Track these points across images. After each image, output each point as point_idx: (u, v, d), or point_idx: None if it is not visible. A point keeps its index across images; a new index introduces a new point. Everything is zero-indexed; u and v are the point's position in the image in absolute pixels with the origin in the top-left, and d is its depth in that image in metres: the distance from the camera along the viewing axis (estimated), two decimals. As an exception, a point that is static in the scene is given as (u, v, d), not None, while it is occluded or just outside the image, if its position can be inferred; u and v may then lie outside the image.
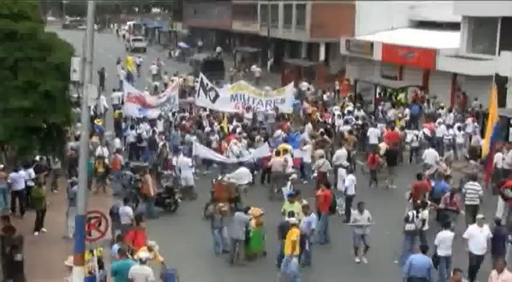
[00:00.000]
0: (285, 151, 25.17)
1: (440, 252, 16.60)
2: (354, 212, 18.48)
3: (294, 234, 16.29)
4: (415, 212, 18.28)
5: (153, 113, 31.17)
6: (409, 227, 17.98)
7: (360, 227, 18.18)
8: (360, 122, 31.90)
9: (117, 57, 56.31)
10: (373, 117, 34.84)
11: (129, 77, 49.93)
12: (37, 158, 23.44)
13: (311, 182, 24.73)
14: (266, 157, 25.29)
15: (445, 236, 16.63)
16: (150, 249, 15.25)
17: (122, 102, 33.79)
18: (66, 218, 19.56)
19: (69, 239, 18.27)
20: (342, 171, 23.08)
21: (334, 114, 33.62)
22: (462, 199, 20.55)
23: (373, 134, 29.49)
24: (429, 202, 19.79)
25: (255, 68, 55.80)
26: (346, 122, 31.96)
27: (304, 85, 45.06)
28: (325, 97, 41.82)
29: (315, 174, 24.36)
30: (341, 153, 25.40)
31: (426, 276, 15.19)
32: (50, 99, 17.98)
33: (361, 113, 34.45)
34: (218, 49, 72.36)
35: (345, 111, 34.50)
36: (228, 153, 25.71)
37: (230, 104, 30.13)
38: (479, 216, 17.34)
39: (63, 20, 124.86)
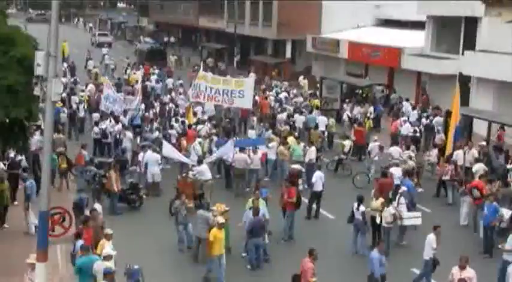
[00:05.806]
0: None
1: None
2: None
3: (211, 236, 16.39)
4: (356, 204, 18.59)
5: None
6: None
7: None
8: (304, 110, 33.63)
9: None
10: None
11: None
12: (12, 154, 22.93)
13: (274, 179, 25.01)
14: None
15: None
16: (108, 237, 15.41)
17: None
18: (25, 213, 19.37)
19: (31, 235, 18.05)
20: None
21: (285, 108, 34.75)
22: None
23: (321, 122, 31.08)
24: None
25: (209, 60, 59.33)
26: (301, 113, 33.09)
27: (252, 75, 41.75)
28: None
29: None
30: (313, 151, 25.26)
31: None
32: (12, 93, 17.69)
33: (300, 99, 37.79)
34: (172, 39, 77.04)
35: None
36: (191, 151, 25.33)
37: (191, 92, 29.60)
38: None
39: (26, 14, 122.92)
